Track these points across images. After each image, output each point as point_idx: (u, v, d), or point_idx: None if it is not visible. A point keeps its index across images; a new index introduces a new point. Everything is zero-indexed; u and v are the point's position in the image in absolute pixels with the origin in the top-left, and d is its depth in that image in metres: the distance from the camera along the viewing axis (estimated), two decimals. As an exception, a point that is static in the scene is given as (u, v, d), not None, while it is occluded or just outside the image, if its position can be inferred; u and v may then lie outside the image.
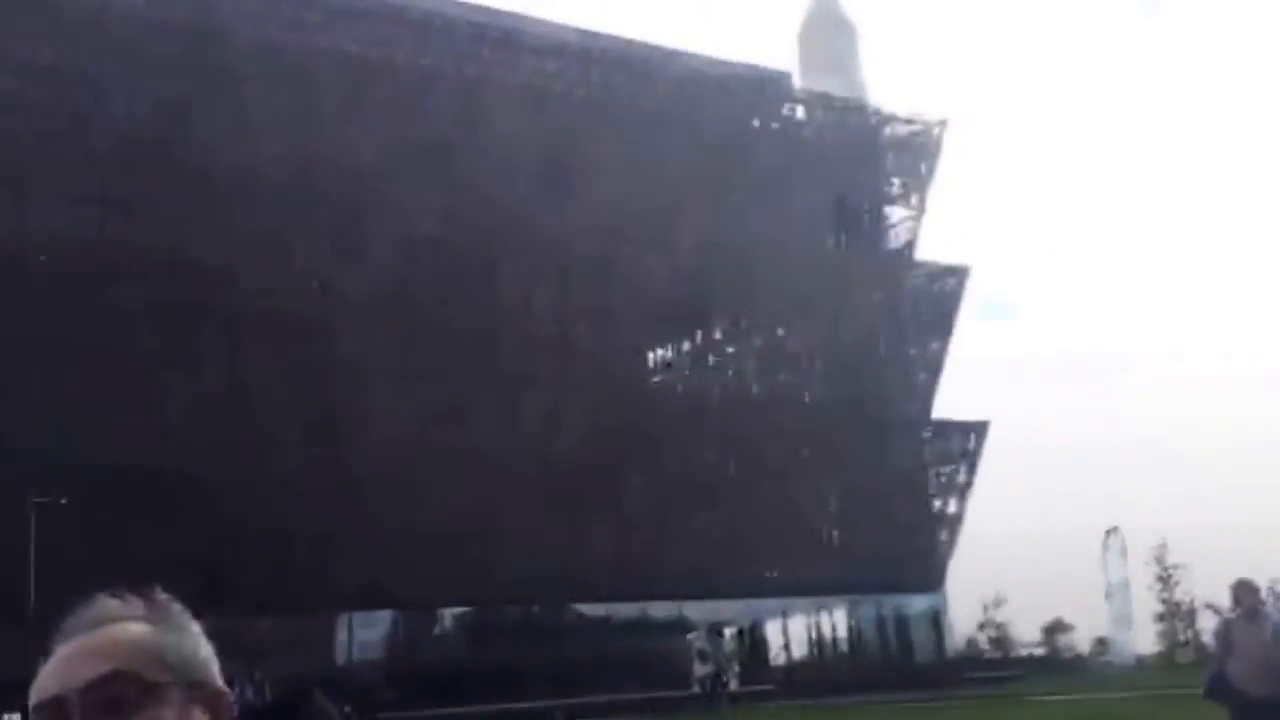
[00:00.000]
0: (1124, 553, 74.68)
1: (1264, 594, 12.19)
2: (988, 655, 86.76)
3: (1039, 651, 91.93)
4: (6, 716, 42.07)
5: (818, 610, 65.30)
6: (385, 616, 53.27)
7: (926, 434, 69.09)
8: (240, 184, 49.58)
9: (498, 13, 59.00)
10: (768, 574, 62.25)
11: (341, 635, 53.05)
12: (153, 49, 49.96)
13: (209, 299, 49.14)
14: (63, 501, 40.11)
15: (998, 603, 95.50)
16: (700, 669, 46.88)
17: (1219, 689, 11.59)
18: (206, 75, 50.17)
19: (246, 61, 50.92)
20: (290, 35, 53.59)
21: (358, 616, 53.52)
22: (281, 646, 49.18)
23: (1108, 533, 73.96)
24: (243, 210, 49.70)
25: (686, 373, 64.47)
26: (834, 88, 69.05)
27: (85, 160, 48.07)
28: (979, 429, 69.52)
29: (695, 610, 59.45)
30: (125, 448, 45.74)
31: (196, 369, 48.49)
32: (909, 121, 69.03)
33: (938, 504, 68.34)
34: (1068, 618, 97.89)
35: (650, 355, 63.04)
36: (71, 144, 48.16)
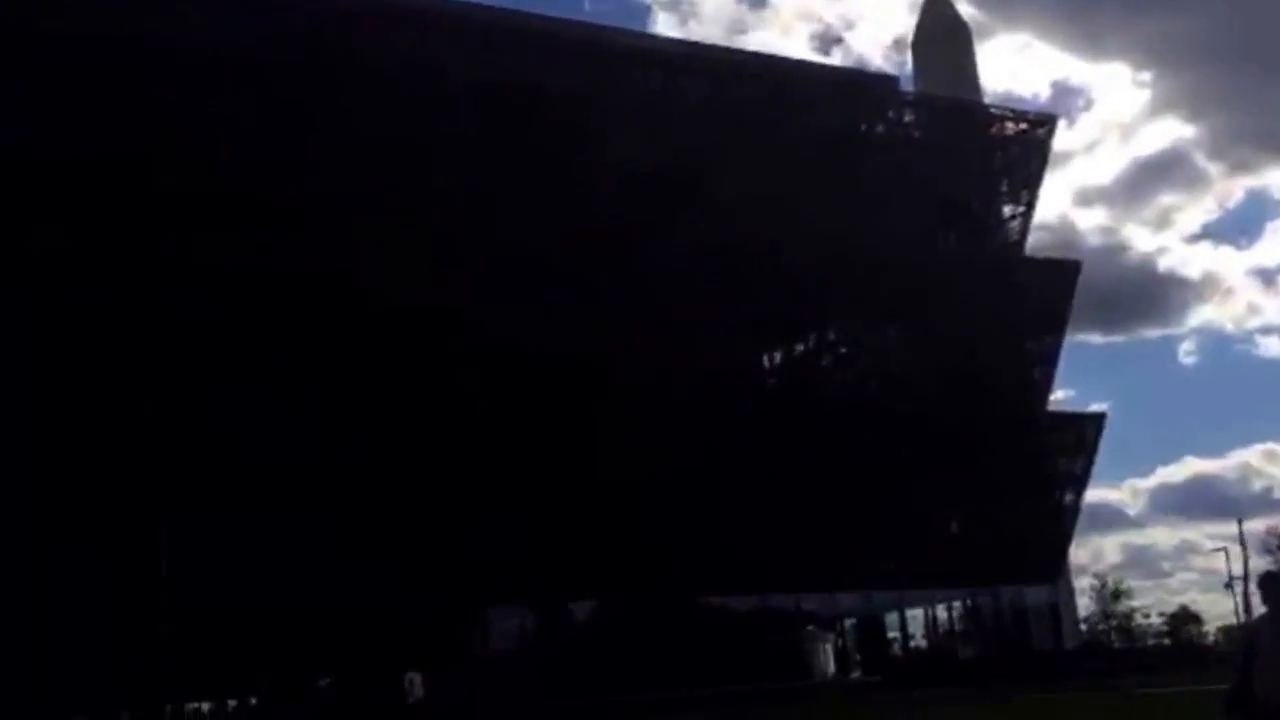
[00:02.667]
0: (1246, 542, 74.65)
1: None
2: (1112, 646, 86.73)
3: (1164, 642, 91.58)
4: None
5: (935, 601, 66.33)
6: (514, 611, 55.61)
7: (1043, 427, 69.60)
8: (355, 204, 52.35)
9: (613, 30, 61.22)
10: (885, 566, 63.48)
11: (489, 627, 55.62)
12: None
13: (319, 308, 51.61)
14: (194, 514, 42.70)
15: (1120, 593, 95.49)
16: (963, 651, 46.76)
17: (1240, 703, 9.59)
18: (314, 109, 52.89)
19: (376, 92, 53.72)
20: (418, 55, 56.05)
21: (493, 610, 55.94)
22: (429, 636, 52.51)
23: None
24: (352, 217, 52.31)
25: (801, 373, 65.90)
26: (947, 89, 70.17)
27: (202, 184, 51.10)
28: (1097, 421, 70.06)
29: (813, 602, 61.10)
30: (269, 447, 48.92)
31: (319, 382, 51.28)
32: (1018, 120, 69.81)
33: (1055, 496, 68.87)
34: (1194, 608, 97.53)
35: (765, 357, 64.69)
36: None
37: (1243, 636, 10.56)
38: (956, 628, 67.97)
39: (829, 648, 59.24)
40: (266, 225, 50.66)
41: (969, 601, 67.14)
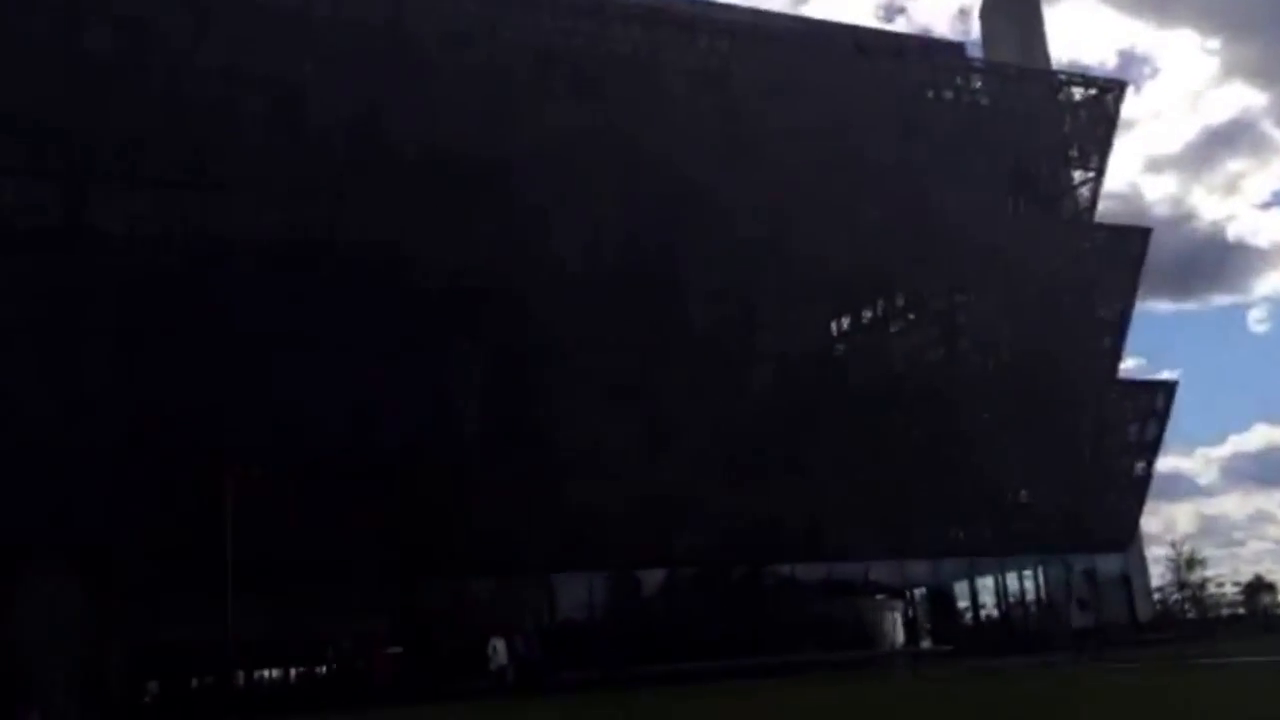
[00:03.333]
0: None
1: None
2: (1186, 616, 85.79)
3: (1239, 612, 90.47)
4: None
5: (1005, 570, 65.95)
6: (582, 578, 56.00)
7: (1114, 394, 68.90)
8: (432, 175, 52.95)
9: (678, -3, 61.07)
10: (954, 535, 63.22)
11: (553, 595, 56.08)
12: (350, 47, 53.47)
13: (404, 283, 52.39)
14: (256, 473, 43.49)
15: (1195, 562, 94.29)
16: (1079, 618, 46.67)
17: None
18: (401, 70, 53.47)
19: (438, 53, 54.12)
20: (477, 26, 56.36)
21: (557, 578, 56.42)
22: (498, 606, 52.98)
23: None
24: (434, 196, 53.06)
25: (869, 340, 65.65)
26: (1014, 56, 69.39)
27: (288, 158, 51.82)
28: (1167, 388, 69.21)
29: (882, 571, 61.03)
30: (329, 431, 49.72)
31: (395, 351, 51.94)
32: (1086, 86, 68.90)
33: (1126, 464, 68.18)
34: (1269, 577, 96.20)
35: (833, 324, 64.48)
36: (275, 143, 51.92)
37: None
38: (1027, 597, 67.45)
39: (898, 617, 59.12)
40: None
41: (1040, 570, 66.63)
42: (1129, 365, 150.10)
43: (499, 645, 39.91)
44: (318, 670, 54.18)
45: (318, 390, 50.17)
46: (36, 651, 41.45)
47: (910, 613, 63.08)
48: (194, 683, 50.42)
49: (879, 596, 60.12)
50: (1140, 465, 68.21)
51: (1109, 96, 68.60)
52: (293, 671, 54.13)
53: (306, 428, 49.59)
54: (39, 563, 40.51)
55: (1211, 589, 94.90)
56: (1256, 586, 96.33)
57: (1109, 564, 66.81)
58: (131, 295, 48.35)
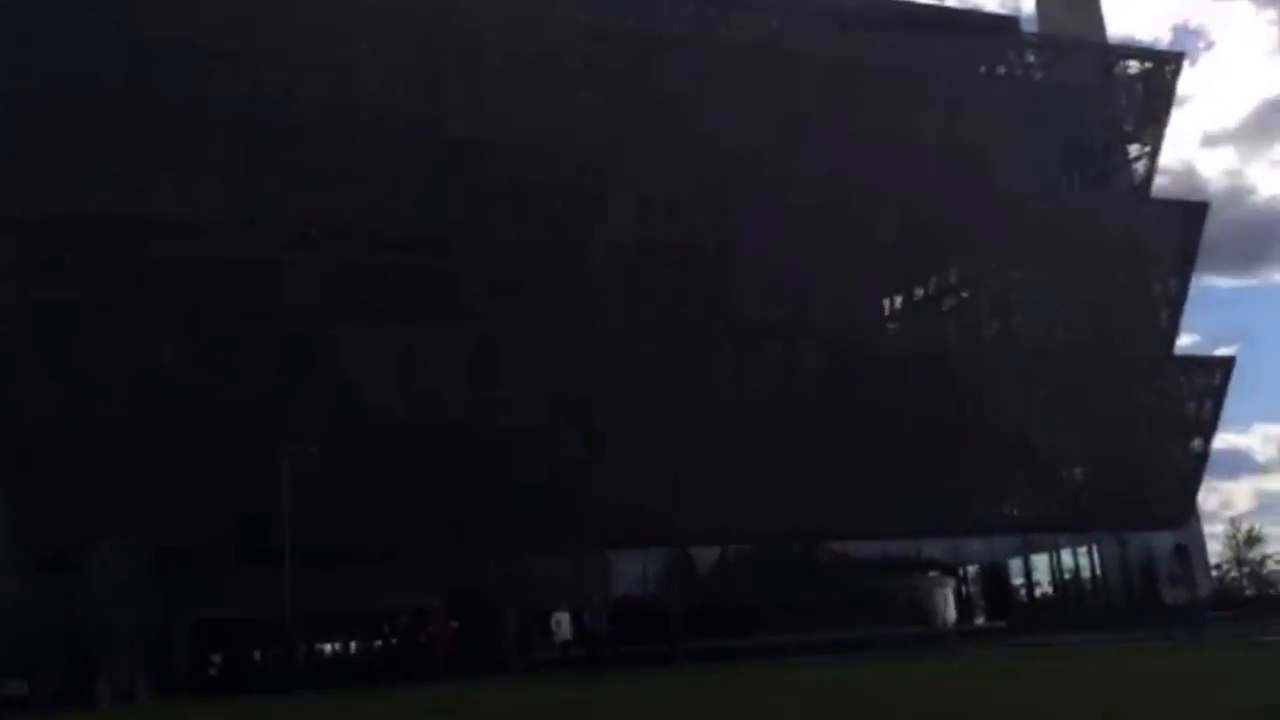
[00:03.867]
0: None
1: None
2: (1243, 593, 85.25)
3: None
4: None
5: (1060, 548, 65.82)
6: (637, 556, 56.56)
7: (1170, 371, 68.44)
8: (483, 154, 53.63)
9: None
10: (1009, 511, 63.17)
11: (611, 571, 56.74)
12: (402, 34, 54.13)
13: (459, 264, 53.13)
14: (313, 450, 44.47)
15: (1253, 539, 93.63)
16: (1172, 594, 46.43)
17: None
18: (454, 56, 54.06)
19: (488, 33, 54.69)
20: (528, 7, 56.77)
21: (612, 555, 57.00)
22: (556, 581, 53.78)
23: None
24: (487, 179, 53.73)
25: (922, 317, 65.57)
26: (1071, 29, 68.82)
27: (344, 145, 52.61)
28: (1224, 365, 68.64)
29: (935, 549, 61.17)
30: (383, 402, 50.66)
31: (450, 328, 52.72)
32: (1143, 59, 68.28)
33: (1182, 441, 67.74)
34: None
35: (885, 301, 64.47)
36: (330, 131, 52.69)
37: None
38: (1082, 574, 67.31)
39: (950, 594, 59.25)
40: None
41: (1094, 547, 66.44)
42: (1186, 342, 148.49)
43: (563, 620, 40.03)
44: (375, 644, 55.06)
45: (375, 367, 51.16)
46: (106, 628, 42.60)
47: (964, 590, 63.14)
48: (256, 656, 51.52)
49: (932, 574, 60.22)
50: (1197, 442, 67.72)
51: (1165, 69, 67.95)
52: (353, 645, 55.10)
53: (365, 404, 50.59)
54: (109, 543, 41.56)
55: (1270, 565, 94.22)
56: None
57: (1164, 541, 66.39)
58: (193, 278, 49.39)
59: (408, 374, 51.55)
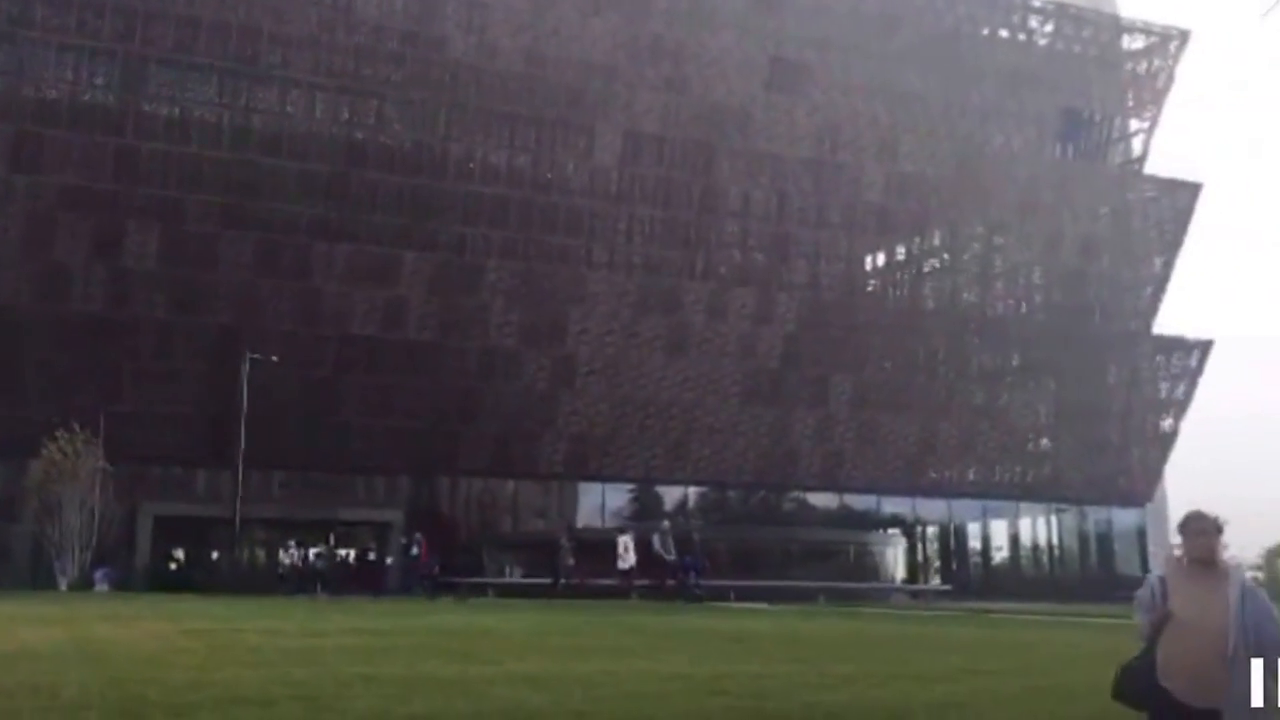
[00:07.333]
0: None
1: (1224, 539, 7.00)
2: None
3: (1258, 575, 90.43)
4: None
5: (1020, 516, 66.32)
6: (597, 489, 57.07)
7: (1147, 349, 68.50)
8: (477, 78, 53.71)
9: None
10: (972, 476, 63.59)
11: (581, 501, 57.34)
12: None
13: (444, 185, 53.27)
14: (274, 359, 45.15)
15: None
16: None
17: (1136, 688, 6.98)
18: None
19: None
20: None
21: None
22: (524, 508, 54.71)
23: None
24: (478, 103, 53.82)
25: (903, 275, 65.59)
26: (1081, -1, 68.25)
27: (337, 54, 52.60)
28: (1203, 347, 68.74)
29: (896, 506, 61.75)
30: (356, 318, 51.17)
31: (429, 249, 53.00)
32: (1148, 32, 67.81)
33: (1153, 419, 68.00)
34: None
35: (867, 259, 64.50)
36: (326, 38, 52.62)
37: (1152, 597, 7.02)
38: (1039, 543, 67.88)
39: (901, 552, 59.74)
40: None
41: (1055, 518, 66.97)
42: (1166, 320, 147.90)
43: (628, 542, 36.76)
44: (339, 554, 55.66)
45: (350, 281, 51.57)
46: (65, 519, 43.38)
47: (919, 550, 63.67)
48: (214, 555, 52.15)
49: (890, 531, 60.74)
50: (1168, 422, 68.01)
51: (1172, 45, 67.50)
52: (312, 552, 55.75)
53: (336, 316, 51.13)
54: (74, 435, 42.13)
55: (1234, 550, 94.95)
56: (1277, 551, 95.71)
57: (1126, 518, 67.08)
58: (178, 176, 49.62)
59: (381, 290, 51.93)
